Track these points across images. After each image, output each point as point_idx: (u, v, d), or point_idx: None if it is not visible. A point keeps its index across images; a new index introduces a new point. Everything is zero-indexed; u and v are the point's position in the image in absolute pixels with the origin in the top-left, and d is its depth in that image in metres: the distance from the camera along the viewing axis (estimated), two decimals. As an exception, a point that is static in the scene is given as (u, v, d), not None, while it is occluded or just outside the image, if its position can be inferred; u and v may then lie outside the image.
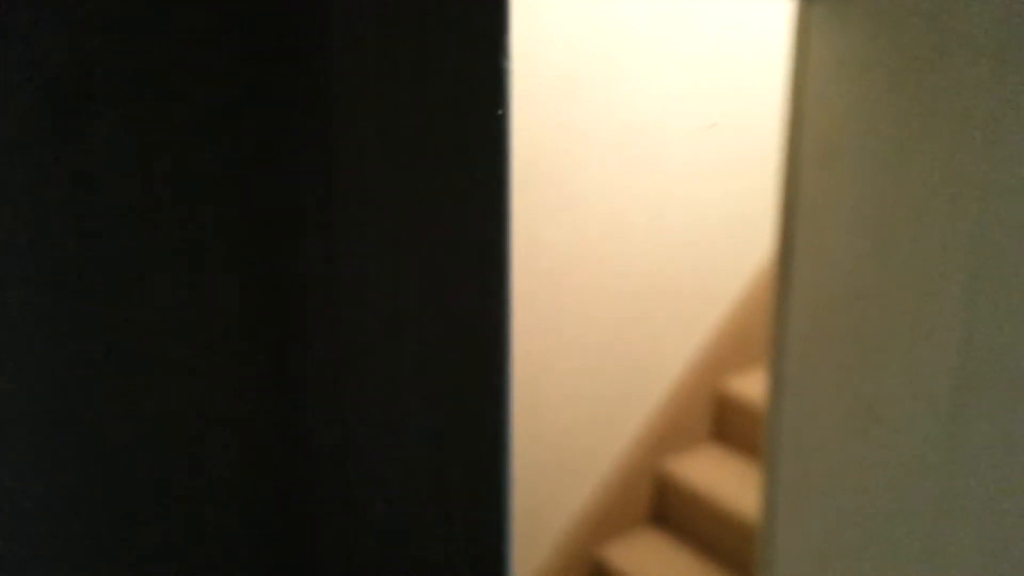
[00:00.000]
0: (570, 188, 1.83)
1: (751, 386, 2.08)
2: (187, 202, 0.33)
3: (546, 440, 1.93)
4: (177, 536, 0.34)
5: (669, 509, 2.07)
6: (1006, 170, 0.78)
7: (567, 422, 1.95)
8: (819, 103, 0.94)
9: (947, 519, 0.88)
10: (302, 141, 0.34)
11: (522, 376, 1.75)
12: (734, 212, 2.07)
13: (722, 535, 1.94)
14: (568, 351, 1.92)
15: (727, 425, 2.12)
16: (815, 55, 0.94)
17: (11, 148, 0.30)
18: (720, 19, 1.94)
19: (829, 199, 0.95)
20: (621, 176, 1.89)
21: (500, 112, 0.37)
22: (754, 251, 2.12)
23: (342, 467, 0.38)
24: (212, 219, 0.33)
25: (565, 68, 1.77)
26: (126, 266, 0.32)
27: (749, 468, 2.04)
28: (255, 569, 0.36)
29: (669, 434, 2.08)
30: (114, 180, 0.31)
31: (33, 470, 0.31)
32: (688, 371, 2.09)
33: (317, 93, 0.34)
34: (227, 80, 0.33)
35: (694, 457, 2.09)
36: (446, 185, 0.37)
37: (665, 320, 2.04)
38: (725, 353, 2.12)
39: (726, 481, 2.00)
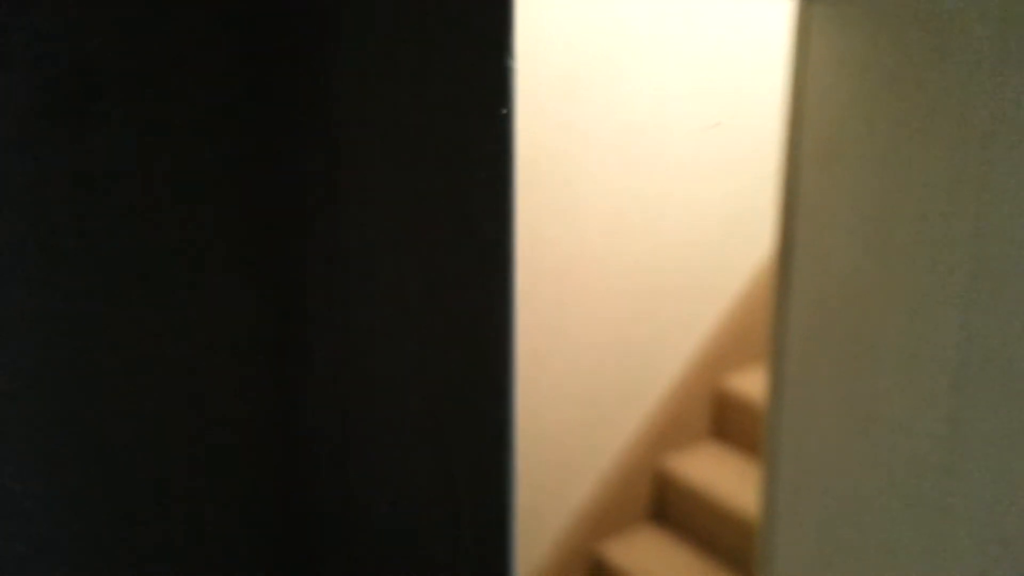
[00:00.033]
0: (570, 187, 1.83)
1: (751, 384, 2.08)
2: (189, 202, 0.33)
3: (546, 437, 1.93)
4: (177, 535, 0.34)
5: (669, 506, 2.07)
6: (1005, 170, 0.78)
7: (567, 419, 1.95)
8: (819, 103, 0.94)
9: (946, 517, 0.88)
10: (305, 141, 0.34)
11: (522, 374, 1.75)
12: (734, 211, 2.07)
13: (722, 532, 1.94)
14: (568, 349, 1.92)
15: (727, 423, 2.12)
16: (815, 55, 0.94)
17: (14, 147, 0.29)
18: (720, 19, 1.93)
19: (829, 198, 0.95)
20: (621, 175, 1.89)
21: (504, 111, 0.37)
22: (754, 249, 2.12)
23: (343, 466, 0.38)
24: (214, 219, 0.33)
25: (565, 68, 1.77)
26: (127, 265, 0.32)
27: (748, 466, 2.04)
28: (256, 568, 0.36)
29: (669, 431, 2.08)
30: (116, 180, 0.31)
31: (33, 470, 0.31)
32: (688, 369, 2.09)
33: (320, 93, 0.34)
34: (229, 80, 0.32)
35: (694, 454, 2.09)
36: (450, 184, 0.37)
37: (665, 318, 2.04)
38: (725, 351, 2.12)
39: (726, 479, 2.00)
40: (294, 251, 0.35)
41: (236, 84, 0.33)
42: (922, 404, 0.88)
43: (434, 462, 0.39)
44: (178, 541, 0.34)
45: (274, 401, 0.35)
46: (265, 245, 0.34)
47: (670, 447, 2.09)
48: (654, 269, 1.99)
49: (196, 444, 0.34)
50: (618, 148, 1.87)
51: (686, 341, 2.08)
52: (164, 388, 0.33)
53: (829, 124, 0.93)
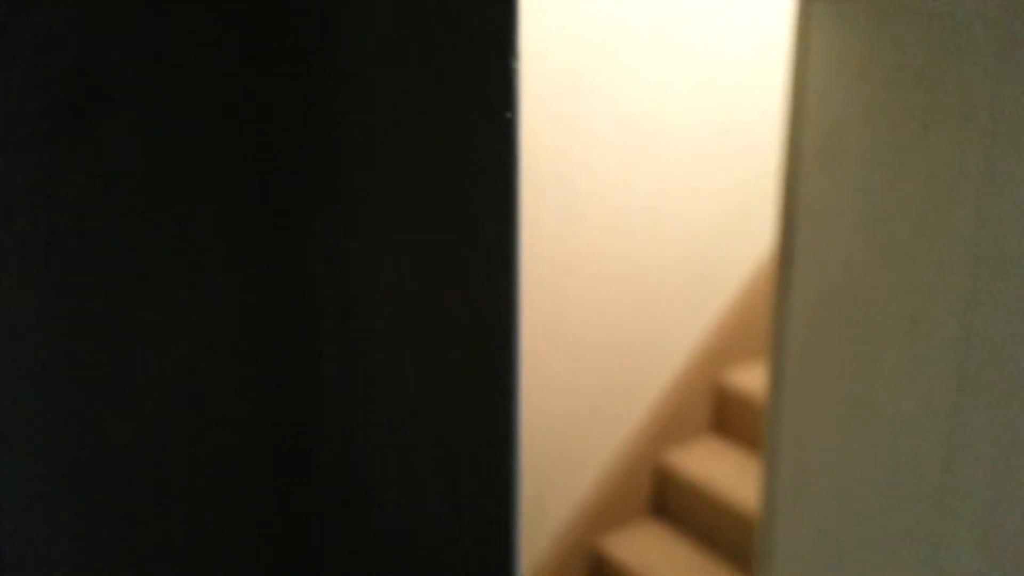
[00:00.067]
0: (571, 183, 1.83)
1: (751, 379, 2.08)
2: (194, 202, 0.33)
3: (546, 432, 1.93)
4: (178, 535, 0.34)
5: (669, 501, 2.07)
6: (1006, 168, 0.78)
7: (567, 414, 1.96)
8: (819, 100, 0.94)
9: (946, 514, 0.88)
10: (307, 141, 0.34)
11: (523, 368, 1.74)
12: (734, 206, 2.07)
13: (722, 527, 1.94)
14: (568, 344, 1.92)
15: (727, 418, 2.12)
16: (816, 51, 0.93)
17: (21, 149, 0.30)
18: (720, 15, 1.93)
19: (829, 196, 0.95)
20: (622, 171, 1.89)
21: (509, 115, 0.37)
22: (754, 245, 2.11)
23: (345, 465, 0.38)
24: (215, 218, 0.33)
25: (565, 64, 1.77)
26: (131, 265, 0.32)
27: (748, 460, 2.04)
28: (257, 568, 0.36)
29: (669, 426, 2.09)
30: (123, 180, 0.31)
31: (33, 470, 0.31)
32: (689, 364, 2.09)
33: (323, 93, 0.34)
34: (235, 81, 0.33)
35: (694, 449, 2.10)
36: (454, 186, 0.37)
37: (666, 313, 2.04)
38: (725, 346, 2.13)
39: (726, 473, 2.00)
40: (296, 251, 0.35)
41: (238, 84, 0.33)
42: (922, 400, 0.88)
43: (437, 461, 0.39)
44: (179, 541, 0.34)
45: (275, 400, 0.36)
46: (267, 245, 0.34)
47: (670, 442, 2.09)
48: (655, 265, 1.99)
49: (197, 444, 0.34)
50: (618, 144, 1.86)
51: (687, 336, 2.09)
52: (164, 387, 0.33)
53: (829, 121, 0.93)
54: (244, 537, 0.36)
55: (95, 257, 0.32)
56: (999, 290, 0.80)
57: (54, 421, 0.32)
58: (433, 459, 0.39)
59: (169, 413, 0.33)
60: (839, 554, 1.02)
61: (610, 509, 2.04)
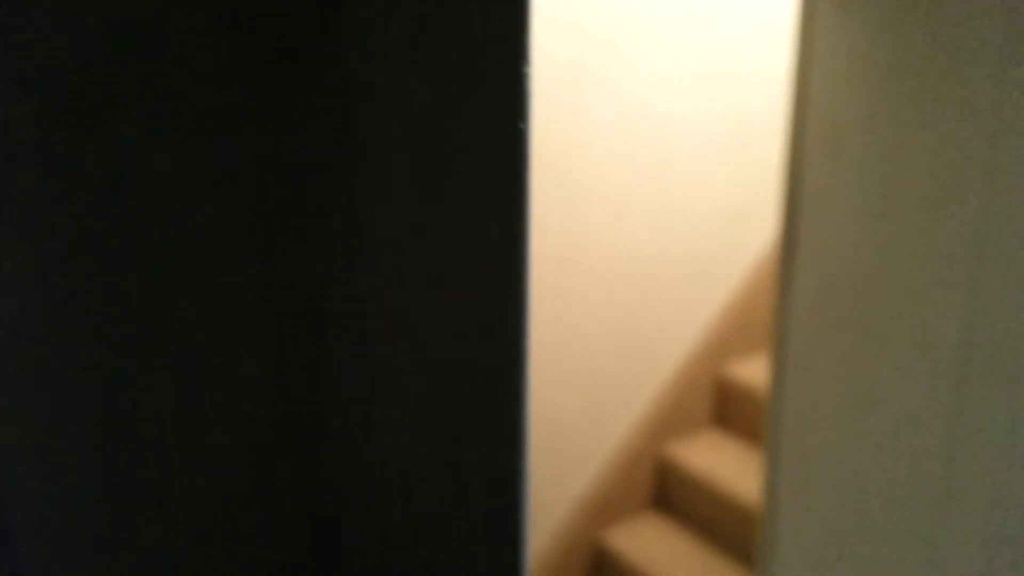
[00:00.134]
0: (573, 173, 1.83)
1: (753, 371, 2.08)
2: (200, 202, 0.32)
3: (548, 425, 1.93)
4: (182, 537, 0.34)
5: (670, 494, 2.07)
6: (1010, 158, 0.78)
7: (568, 407, 1.96)
8: (824, 92, 0.93)
9: (947, 507, 0.88)
10: (320, 144, 0.34)
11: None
12: (737, 197, 2.06)
13: (723, 520, 1.94)
14: (569, 337, 1.92)
15: (729, 410, 2.12)
16: (820, 43, 0.93)
17: (24, 149, 0.29)
18: (725, 6, 1.92)
19: (833, 187, 0.94)
20: (624, 161, 1.88)
21: (521, 125, 0.37)
22: (756, 236, 2.11)
23: (355, 463, 0.38)
24: (224, 219, 0.33)
25: (569, 55, 1.76)
26: (135, 265, 0.32)
27: (750, 453, 2.04)
28: (264, 568, 0.36)
29: (671, 419, 2.09)
30: (129, 180, 0.31)
31: (39, 470, 0.31)
32: (690, 356, 2.09)
33: (335, 97, 0.34)
34: (242, 83, 0.32)
35: (696, 442, 2.10)
36: (464, 189, 0.37)
37: (667, 305, 2.04)
38: (727, 338, 2.12)
39: (727, 466, 2.00)
40: (315, 249, 0.35)
41: (245, 86, 0.33)
42: (924, 394, 0.88)
43: (445, 460, 0.39)
44: (182, 542, 0.34)
45: (282, 399, 0.35)
46: (276, 246, 0.34)
47: (672, 434, 2.09)
48: (657, 257, 1.99)
49: (202, 444, 0.34)
50: (621, 137, 1.86)
51: (688, 329, 2.08)
52: (168, 388, 0.33)
53: (833, 114, 0.93)
54: (249, 538, 0.35)
55: (99, 257, 0.31)
56: (1002, 284, 0.80)
57: (60, 422, 0.32)
58: (441, 458, 0.39)
59: (173, 414, 0.33)
60: (841, 547, 1.02)
61: (612, 502, 2.04)
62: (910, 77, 0.84)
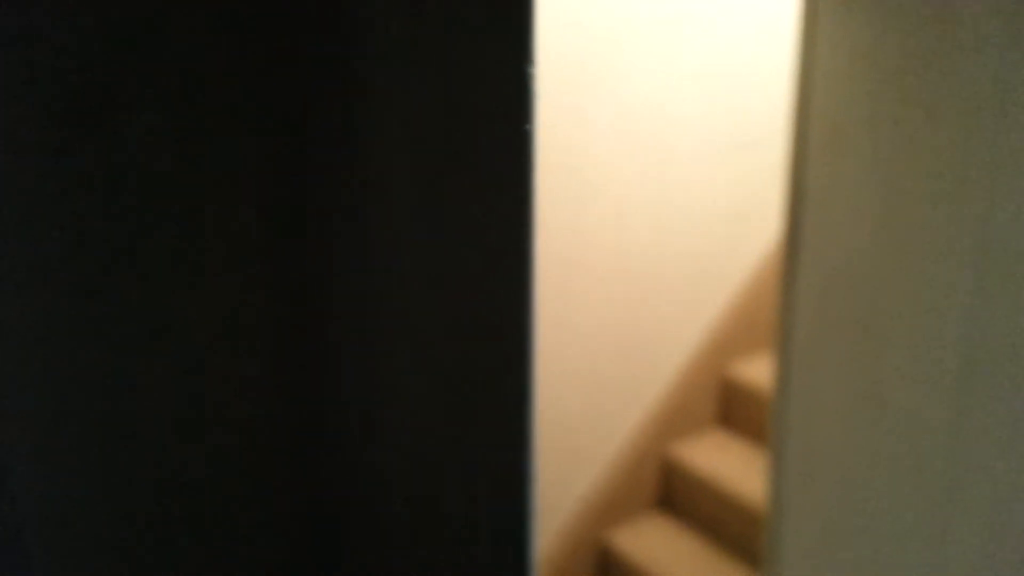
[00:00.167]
0: (575, 174, 1.83)
1: (757, 371, 2.08)
2: (207, 203, 0.32)
3: (552, 425, 1.93)
4: (192, 535, 0.34)
5: (675, 494, 2.07)
6: (1013, 155, 0.77)
7: (573, 407, 1.95)
8: (827, 90, 0.93)
9: (953, 503, 0.88)
10: (326, 144, 0.34)
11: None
12: (740, 196, 2.06)
13: (728, 520, 1.94)
14: (573, 337, 1.92)
15: (733, 410, 2.12)
16: (823, 42, 0.93)
17: (29, 151, 0.29)
18: (727, 4, 1.92)
19: (836, 186, 0.94)
20: (626, 161, 1.88)
21: (527, 126, 0.37)
22: (760, 235, 2.11)
23: (362, 463, 0.38)
24: (232, 220, 0.33)
25: (569, 53, 1.76)
26: (142, 265, 0.32)
27: (755, 453, 2.04)
28: (273, 567, 0.36)
29: (675, 419, 2.08)
30: (136, 180, 0.31)
31: (50, 467, 0.31)
32: (694, 356, 2.09)
33: (342, 98, 0.34)
34: (250, 85, 0.32)
35: (700, 442, 2.09)
36: (470, 190, 0.36)
37: (670, 305, 2.04)
38: (731, 338, 2.12)
39: (732, 466, 2.00)
40: (309, 252, 0.35)
41: (253, 88, 0.33)
42: (928, 392, 0.88)
43: (452, 459, 0.39)
44: (192, 540, 0.34)
45: (289, 399, 0.35)
46: (279, 246, 0.34)
47: (676, 434, 2.09)
48: (660, 256, 1.99)
49: (211, 443, 0.34)
50: (623, 136, 1.86)
51: (692, 328, 2.08)
52: (175, 388, 0.33)
53: (836, 112, 0.93)
54: (252, 538, 0.35)
55: (99, 257, 0.32)
56: (1006, 282, 0.80)
57: (62, 422, 0.32)
58: (446, 458, 0.39)
59: (174, 414, 0.33)
60: (845, 547, 1.02)
61: (616, 502, 2.04)
62: (913, 76, 0.84)
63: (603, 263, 1.91)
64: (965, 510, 0.87)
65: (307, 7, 0.33)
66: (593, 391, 1.97)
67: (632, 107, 1.85)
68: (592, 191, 1.85)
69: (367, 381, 0.37)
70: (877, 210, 0.90)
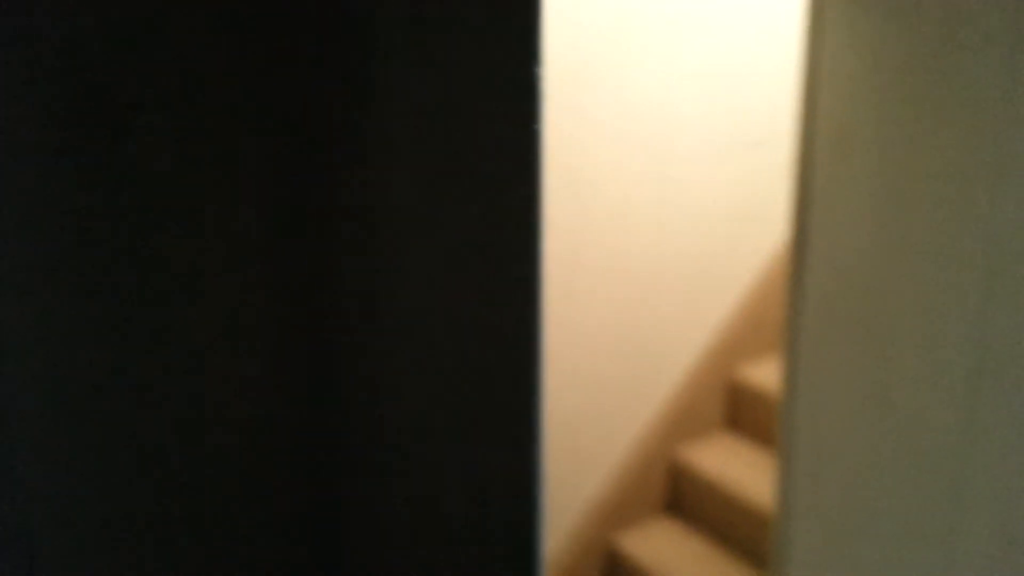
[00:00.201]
0: (579, 175, 1.83)
1: (764, 374, 2.07)
2: (219, 203, 0.32)
3: (559, 428, 1.93)
4: (201, 531, 0.34)
5: (683, 497, 2.07)
6: (1019, 155, 0.77)
7: (579, 410, 1.95)
8: (833, 91, 0.93)
9: (961, 505, 0.88)
10: (333, 143, 0.34)
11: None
12: (745, 196, 2.06)
13: (736, 523, 1.93)
14: (579, 339, 1.91)
15: (740, 413, 2.11)
16: (830, 42, 0.93)
17: (45, 153, 0.29)
18: (729, 1, 1.92)
19: (843, 187, 0.94)
20: (631, 163, 1.88)
21: (535, 126, 0.36)
22: (767, 236, 2.10)
23: (371, 463, 0.37)
24: (247, 219, 0.33)
25: (572, 53, 1.76)
26: (154, 265, 0.32)
27: (762, 456, 2.03)
28: (281, 563, 0.36)
29: (683, 422, 2.08)
30: (149, 182, 0.31)
31: (53, 467, 0.31)
32: (701, 359, 2.08)
33: (349, 98, 0.34)
34: (256, 86, 0.32)
35: (708, 445, 2.09)
36: (479, 189, 0.36)
37: (677, 306, 2.03)
38: (738, 341, 2.12)
39: (740, 470, 1.99)
40: (316, 252, 0.35)
41: (257, 87, 0.33)
42: (937, 394, 0.88)
43: (461, 459, 0.39)
44: (201, 536, 0.34)
45: (298, 398, 0.35)
46: (284, 247, 0.34)
47: (684, 437, 2.09)
48: (666, 257, 1.98)
49: (220, 440, 0.34)
50: (627, 136, 1.86)
51: (699, 331, 2.08)
52: (186, 385, 0.33)
53: (843, 113, 0.92)
54: (261, 538, 0.35)
55: (107, 257, 0.32)
56: (1014, 282, 0.79)
57: (66, 421, 0.32)
58: (456, 459, 0.39)
59: (181, 413, 0.33)
60: (853, 549, 1.01)
61: (624, 505, 2.03)
62: (919, 76, 0.84)
63: (608, 264, 1.91)
64: (973, 512, 0.87)
65: (312, 7, 0.33)
66: (599, 393, 1.97)
67: (635, 107, 1.85)
68: (595, 191, 1.85)
69: (374, 382, 0.37)
70: (884, 210, 0.90)
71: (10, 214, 0.30)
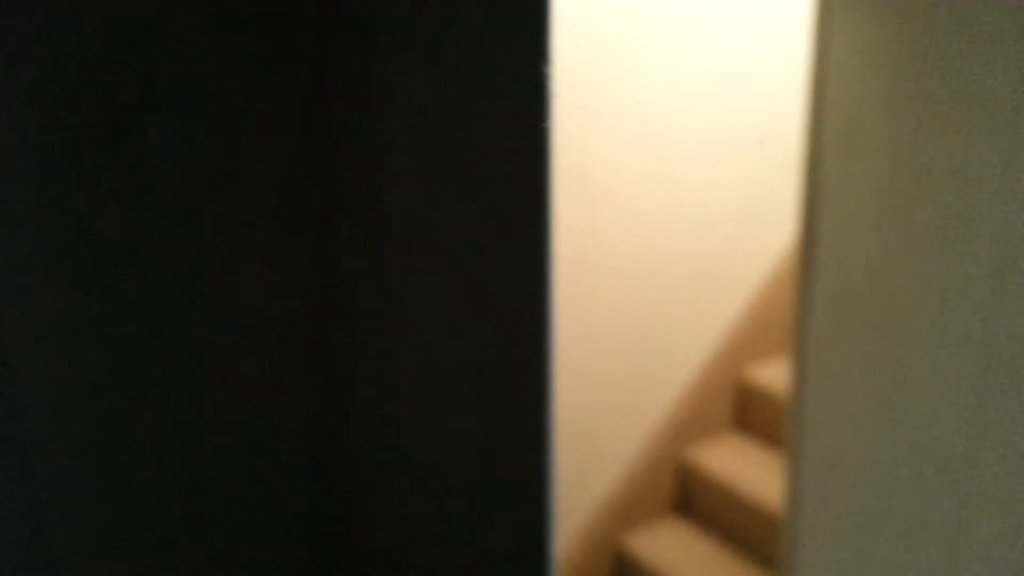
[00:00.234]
0: (587, 174, 1.82)
1: (773, 375, 2.06)
2: (234, 203, 0.32)
3: (566, 426, 1.92)
4: (210, 527, 0.34)
5: (692, 498, 2.06)
6: (1034, 155, 0.76)
7: (587, 410, 1.95)
8: (841, 91, 0.93)
9: (970, 506, 0.87)
10: (342, 142, 0.34)
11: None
12: (753, 196, 2.05)
13: (745, 525, 1.93)
14: (586, 338, 1.91)
15: (749, 414, 2.11)
16: (838, 42, 0.92)
17: (63, 151, 0.29)
18: (738, 3, 1.91)
19: (852, 187, 0.93)
20: (639, 162, 1.88)
21: (543, 124, 0.36)
22: (775, 236, 2.10)
23: (382, 463, 0.37)
24: (260, 221, 0.33)
25: (580, 51, 1.76)
26: (171, 265, 0.32)
27: (771, 457, 2.02)
28: (292, 558, 0.36)
29: (691, 423, 2.07)
30: (165, 182, 0.31)
31: (78, 473, 0.31)
32: (709, 359, 2.08)
33: (359, 98, 0.34)
34: (275, 87, 0.32)
35: (716, 446, 2.08)
36: (488, 187, 0.36)
37: (685, 306, 2.03)
38: (747, 341, 2.11)
39: (749, 470, 1.99)
40: (341, 249, 0.35)
41: (279, 91, 0.33)
42: (946, 395, 0.87)
43: (471, 461, 0.39)
44: (210, 532, 0.34)
45: (309, 396, 0.35)
46: (312, 245, 0.34)
47: (692, 438, 2.08)
48: (674, 257, 1.98)
49: (234, 436, 0.34)
50: (635, 135, 1.85)
51: (707, 331, 2.07)
52: (203, 382, 0.33)
53: (851, 113, 0.92)
54: (274, 533, 0.35)
55: (136, 257, 0.32)
56: (1023, 281, 0.79)
57: (89, 420, 0.32)
58: (466, 458, 0.39)
59: (193, 409, 0.33)
60: (863, 550, 1.01)
61: (632, 506, 2.03)
62: (928, 75, 0.83)
63: (615, 264, 1.90)
64: (983, 513, 0.86)
65: (322, 7, 0.33)
66: (607, 393, 1.97)
67: (642, 106, 1.85)
68: (603, 191, 1.85)
69: (387, 382, 0.37)
70: (893, 210, 0.89)
71: (11, 214, 0.30)
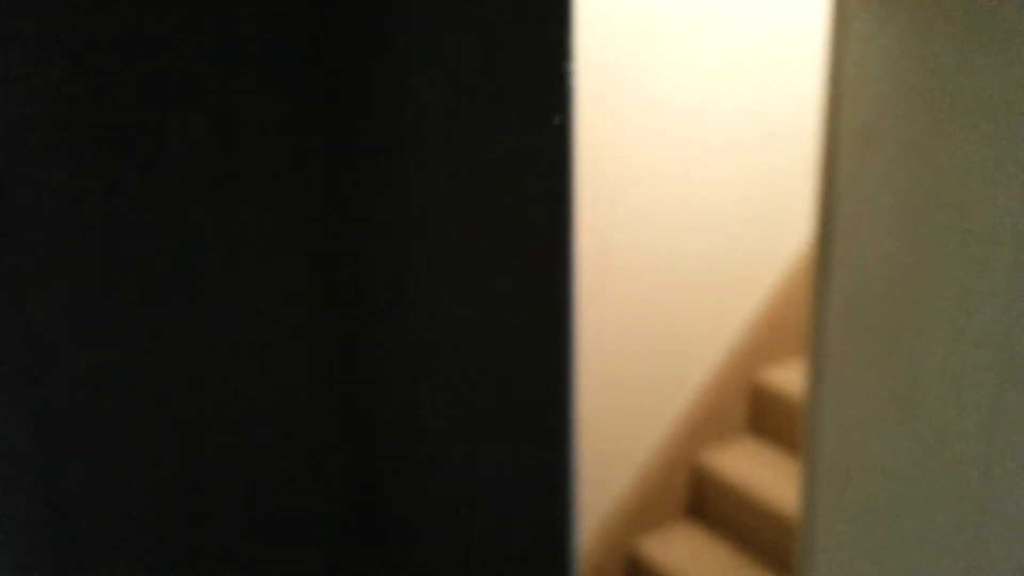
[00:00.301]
0: (603, 174, 1.82)
1: (788, 377, 2.05)
2: (258, 203, 0.32)
3: (581, 429, 1.91)
4: (237, 515, 0.34)
5: (706, 502, 2.05)
6: (1055, 154, 0.75)
7: (599, 410, 1.94)
8: (858, 89, 0.92)
9: (988, 511, 0.86)
10: (365, 141, 0.34)
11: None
12: (770, 195, 2.04)
13: (760, 529, 1.92)
14: (601, 340, 1.91)
15: (764, 417, 2.09)
16: (853, 41, 0.91)
17: (81, 151, 0.29)
18: (755, 1, 1.91)
19: (868, 187, 0.93)
20: (656, 160, 1.87)
21: (559, 120, 0.36)
22: (791, 237, 2.09)
23: (408, 461, 0.37)
24: (284, 219, 0.33)
25: (597, 49, 1.75)
26: (197, 264, 0.32)
27: (786, 461, 2.01)
28: (318, 544, 0.36)
29: (706, 426, 2.06)
30: (186, 177, 0.31)
31: (95, 464, 0.31)
32: (724, 361, 2.07)
33: (383, 97, 0.34)
34: (300, 85, 0.32)
35: (731, 450, 2.07)
36: (511, 188, 0.36)
37: (700, 307, 2.02)
38: (762, 343, 2.10)
39: (763, 474, 1.98)
40: (365, 250, 0.35)
41: (303, 89, 0.33)
42: (963, 398, 0.86)
43: (494, 461, 0.39)
44: (237, 520, 0.34)
45: (329, 400, 0.35)
46: (336, 244, 0.34)
47: (706, 441, 2.07)
48: (689, 257, 1.97)
49: (260, 425, 0.34)
50: (654, 134, 1.85)
51: (722, 332, 2.06)
52: (228, 371, 0.33)
53: (868, 111, 0.91)
54: (298, 530, 0.35)
55: (157, 248, 0.32)
56: (1047, 282, 0.78)
57: (89, 418, 0.31)
58: (490, 457, 0.39)
59: (233, 395, 0.33)
60: (879, 555, 1.00)
61: (646, 510, 2.02)
62: (945, 75, 0.82)
63: (631, 264, 1.90)
64: (1000, 518, 0.85)
65: (347, 7, 0.32)
66: (621, 394, 1.96)
67: (660, 106, 1.84)
68: (620, 190, 1.84)
69: (409, 383, 0.37)
70: (909, 211, 0.88)
71: (15, 213, 0.29)
